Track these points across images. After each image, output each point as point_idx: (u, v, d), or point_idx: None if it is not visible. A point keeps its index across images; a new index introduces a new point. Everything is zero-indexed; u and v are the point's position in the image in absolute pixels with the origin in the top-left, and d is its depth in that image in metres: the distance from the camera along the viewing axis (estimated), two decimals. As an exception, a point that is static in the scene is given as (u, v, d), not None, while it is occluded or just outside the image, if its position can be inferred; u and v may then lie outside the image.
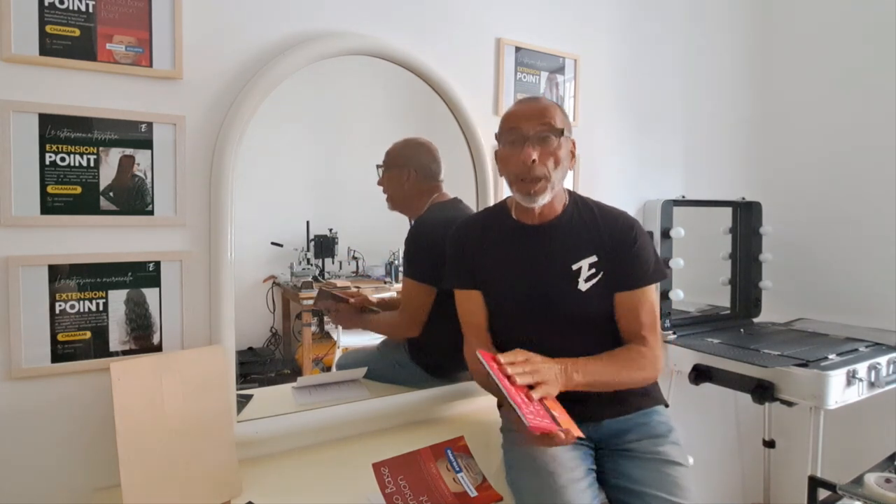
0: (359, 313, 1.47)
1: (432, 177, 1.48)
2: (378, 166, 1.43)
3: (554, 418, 0.94)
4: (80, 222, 1.09)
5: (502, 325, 1.23)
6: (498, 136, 1.19)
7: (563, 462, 1.06)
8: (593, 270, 1.16)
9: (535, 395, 0.97)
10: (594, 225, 1.19)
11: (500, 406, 1.30)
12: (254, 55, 1.24)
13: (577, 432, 0.94)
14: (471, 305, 1.24)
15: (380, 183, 1.44)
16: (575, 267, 1.15)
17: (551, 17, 1.73)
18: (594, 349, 1.12)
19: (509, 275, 1.19)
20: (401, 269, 1.49)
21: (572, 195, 1.24)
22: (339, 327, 1.49)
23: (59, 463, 1.10)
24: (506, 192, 1.50)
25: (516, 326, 1.19)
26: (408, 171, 1.44)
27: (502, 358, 1.00)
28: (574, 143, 1.19)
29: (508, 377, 0.97)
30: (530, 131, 1.11)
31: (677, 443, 1.15)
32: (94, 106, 1.09)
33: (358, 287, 1.48)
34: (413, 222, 1.46)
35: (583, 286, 1.15)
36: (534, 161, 1.09)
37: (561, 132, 1.12)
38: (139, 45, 1.12)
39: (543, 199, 1.13)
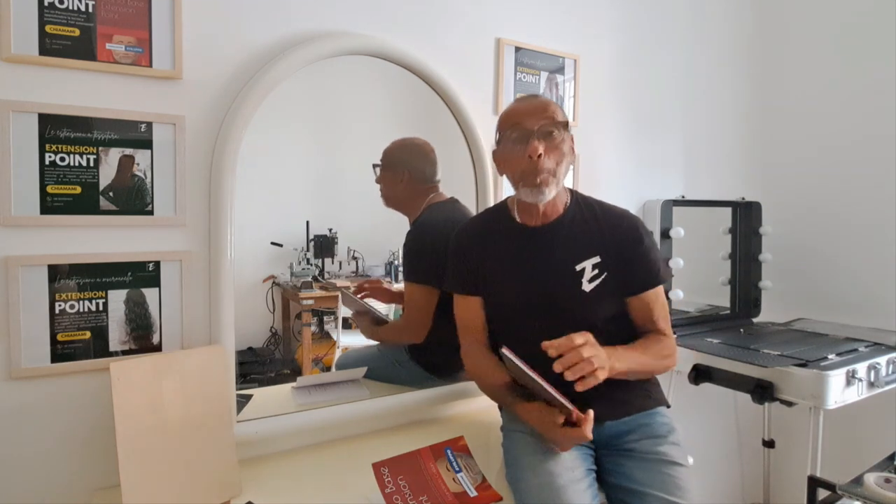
0: (375, 325, 1.50)
1: (427, 179, 1.47)
2: (375, 165, 1.43)
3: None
4: (79, 222, 1.09)
5: (505, 326, 1.22)
6: (498, 136, 1.19)
7: (563, 462, 1.06)
8: (596, 271, 1.16)
9: (588, 381, 0.96)
10: (596, 225, 1.19)
11: (501, 408, 1.30)
12: (253, 55, 1.24)
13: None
14: (469, 311, 1.24)
15: (377, 181, 1.44)
16: (578, 268, 1.15)
17: (551, 17, 1.73)
18: None
19: (513, 277, 1.19)
20: (400, 268, 1.49)
21: (574, 194, 1.24)
22: (339, 327, 1.49)
23: (58, 463, 1.10)
24: (505, 192, 1.50)
25: (520, 328, 1.19)
26: (402, 174, 1.44)
27: (552, 351, 0.97)
28: (573, 138, 1.19)
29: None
30: (534, 126, 1.11)
31: (678, 443, 1.15)
32: (94, 106, 1.09)
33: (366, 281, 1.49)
34: (411, 224, 1.46)
35: (586, 287, 1.15)
36: (540, 155, 1.09)
37: (563, 126, 1.13)
38: (139, 45, 1.12)
39: (550, 194, 1.13)
